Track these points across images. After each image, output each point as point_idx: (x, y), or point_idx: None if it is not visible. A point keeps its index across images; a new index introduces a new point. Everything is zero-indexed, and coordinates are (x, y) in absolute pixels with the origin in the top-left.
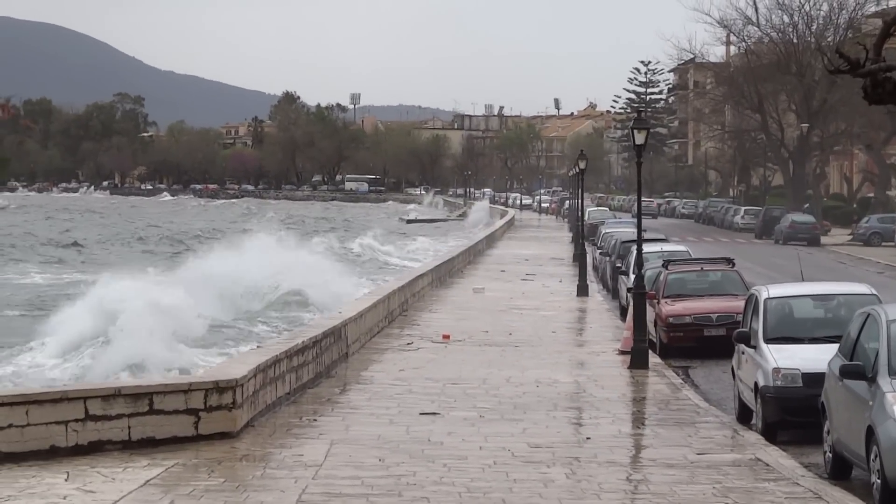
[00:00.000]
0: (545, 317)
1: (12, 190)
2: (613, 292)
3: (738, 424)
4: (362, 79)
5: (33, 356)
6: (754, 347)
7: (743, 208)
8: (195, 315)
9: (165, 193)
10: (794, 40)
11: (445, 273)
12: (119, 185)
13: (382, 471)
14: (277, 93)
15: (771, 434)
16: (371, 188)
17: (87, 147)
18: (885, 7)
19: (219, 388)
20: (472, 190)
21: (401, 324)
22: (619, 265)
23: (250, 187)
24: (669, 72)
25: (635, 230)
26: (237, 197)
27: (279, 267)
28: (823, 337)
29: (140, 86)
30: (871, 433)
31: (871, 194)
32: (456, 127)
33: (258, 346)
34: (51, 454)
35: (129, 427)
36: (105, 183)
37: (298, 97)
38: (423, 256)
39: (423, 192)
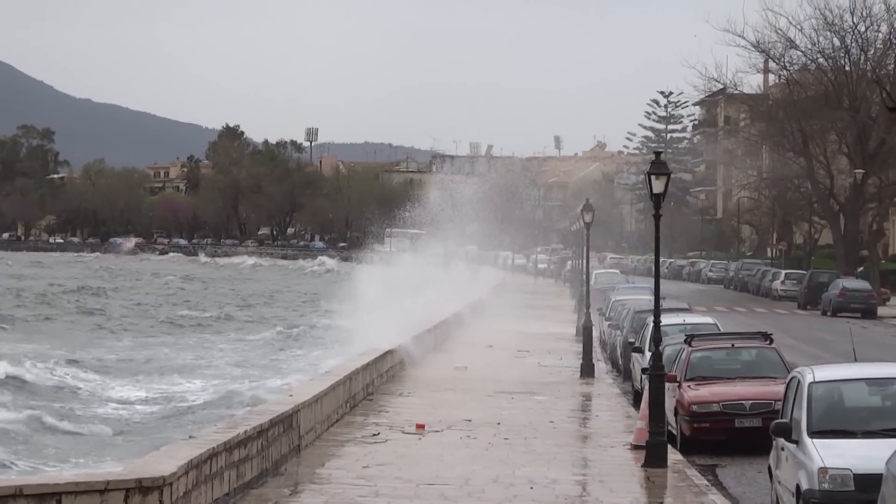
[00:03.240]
0: (541, 402)
1: None
2: (625, 373)
3: None
4: (320, 111)
5: None
6: (796, 442)
7: (783, 272)
8: None
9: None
10: (847, 68)
11: (420, 348)
12: (23, 239)
13: None
14: (217, 127)
15: None
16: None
17: None
18: None
19: (142, 487)
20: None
21: (365, 410)
22: (633, 340)
23: (182, 241)
24: (695, 105)
25: (651, 297)
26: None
27: None
28: (881, 430)
29: (50, 117)
30: None
31: None
32: (434, 170)
33: (190, 437)
34: None
35: None
36: (6, 235)
37: (242, 132)
38: None
39: (391, 249)
